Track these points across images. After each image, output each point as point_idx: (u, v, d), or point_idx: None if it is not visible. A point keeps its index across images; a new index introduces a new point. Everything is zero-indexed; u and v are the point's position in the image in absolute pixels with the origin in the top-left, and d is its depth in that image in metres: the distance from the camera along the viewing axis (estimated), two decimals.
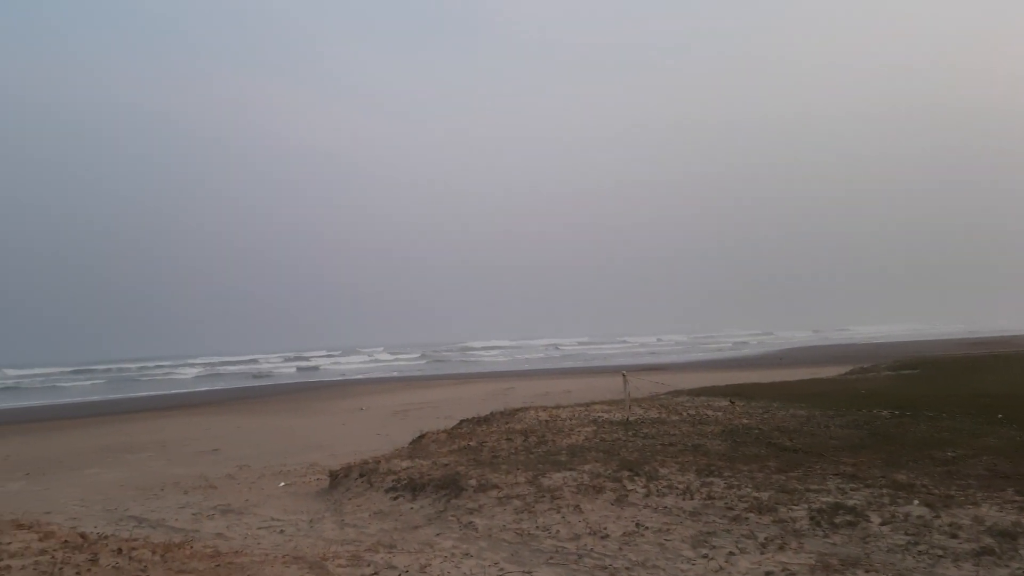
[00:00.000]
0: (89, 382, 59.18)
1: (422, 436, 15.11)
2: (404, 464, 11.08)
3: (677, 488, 8.29)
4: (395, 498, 9.67)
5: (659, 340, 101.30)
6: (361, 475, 11.02)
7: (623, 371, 15.09)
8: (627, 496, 8.09)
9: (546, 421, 14.51)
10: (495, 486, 8.91)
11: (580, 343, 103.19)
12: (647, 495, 8.10)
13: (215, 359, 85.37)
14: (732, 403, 14.99)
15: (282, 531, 9.07)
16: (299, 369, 70.69)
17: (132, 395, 45.37)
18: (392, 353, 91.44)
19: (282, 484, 12.75)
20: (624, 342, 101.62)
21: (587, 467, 9.50)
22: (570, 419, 14.58)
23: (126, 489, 13.50)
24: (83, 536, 8.57)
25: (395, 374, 56.70)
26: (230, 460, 16.50)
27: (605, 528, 7.20)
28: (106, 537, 9.01)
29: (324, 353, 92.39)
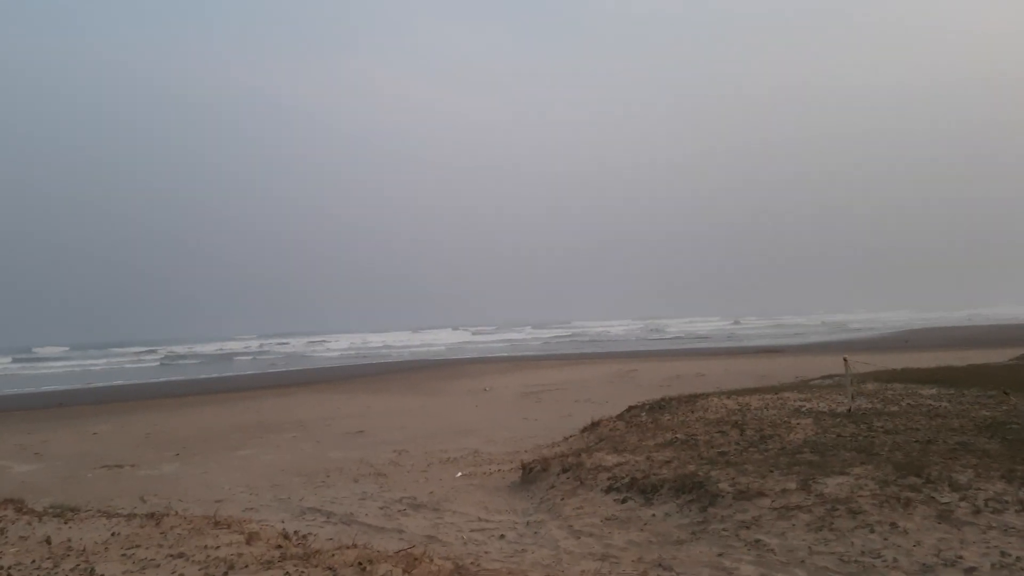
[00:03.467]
0: (198, 362, 60.32)
1: (596, 424, 13.82)
2: (613, 459, 9.73)
3: (1005, 501, 6.67)
4: (622, 501, 8.33)
5: (779, 322, 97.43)
6: (564, 470, 9.73)
7: (844, 356, 13.37)
8: (951, 512, 6.52)
9: (738, 410, 12.98)
10: (760, 493, 7.45)
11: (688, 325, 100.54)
12: (975, 511, 6.50)
13: (328, 336, 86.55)
14: (1007, 394, 12.98)
15: (503, 536, 7.86)
16: (409, 345, 70.75)
17: (245, 373, 45.76)
18: (506, 331, 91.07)
19: (459, 474, 11.60)
20: (738, 324, 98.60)
21: (856, 470, 7.94)
22: (765, 408, 12.99)
23: (289, 474, 12.63)
24: (286, 536, 7.54)
25: (509, 353, 55.67)
26: (381, 443, 15.55)
27: (960, 556, 5.67)
28: (304, 536, 7.99)
29: (428, 329, 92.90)
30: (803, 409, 12.70)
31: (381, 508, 9.68)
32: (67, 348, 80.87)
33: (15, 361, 62.61)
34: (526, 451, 13.26)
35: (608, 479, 9.04)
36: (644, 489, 8.43)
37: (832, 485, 7.47)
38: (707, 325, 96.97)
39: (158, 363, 55.92)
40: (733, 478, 8.05)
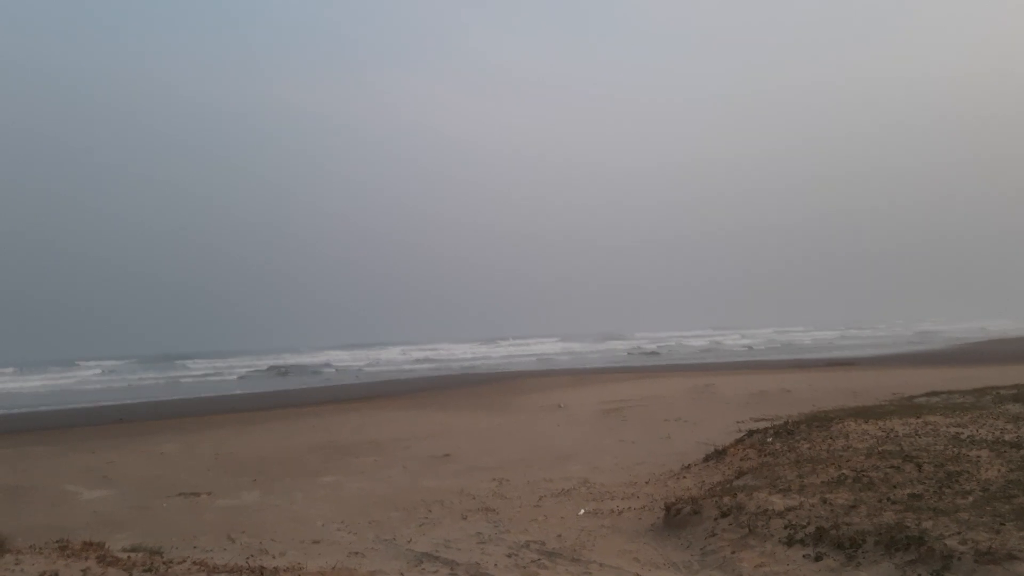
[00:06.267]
0: (263, 376, 59.93)
1: (722, 452, 12.42)
2: (780, 501, 8.32)
3: None
4: (816, 557, 6.91)
5: (843, 332, 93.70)
6: (724, 514, 8.34)
7: None
8: None
9: (885, 437, 11.45)
10: (1011, 555, 5.99)
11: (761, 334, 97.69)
12: None
13: (389, 350, 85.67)
14: None
15: None
16: (475, 358, 69.67)
17: (306, 386, 45.04)
18: (567, 342, 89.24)
19: (582, 512, 10.26)
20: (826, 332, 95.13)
21: None
22: (916, 435, 11.42)
23: (385, 508, 11.41)
24: None
25: (572, 366, 54.12)
26: (474, 470, 14.30)
27: None
28: None
29: (495, 341, 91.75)
30: (963, 437, 11.11)
31: (509, 556, 8.37)
32: (131, 360, 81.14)
33: (105, 373, 62.91)
34: (646, 482, 11.88)
35: (784, 527, 7.62)
36: (839, 543, 7.00)
37: None
38: (784, 335, 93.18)
39: (235, 377, 55.15)
40: (959, 532, 6.59)
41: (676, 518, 8.81)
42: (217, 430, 23.22)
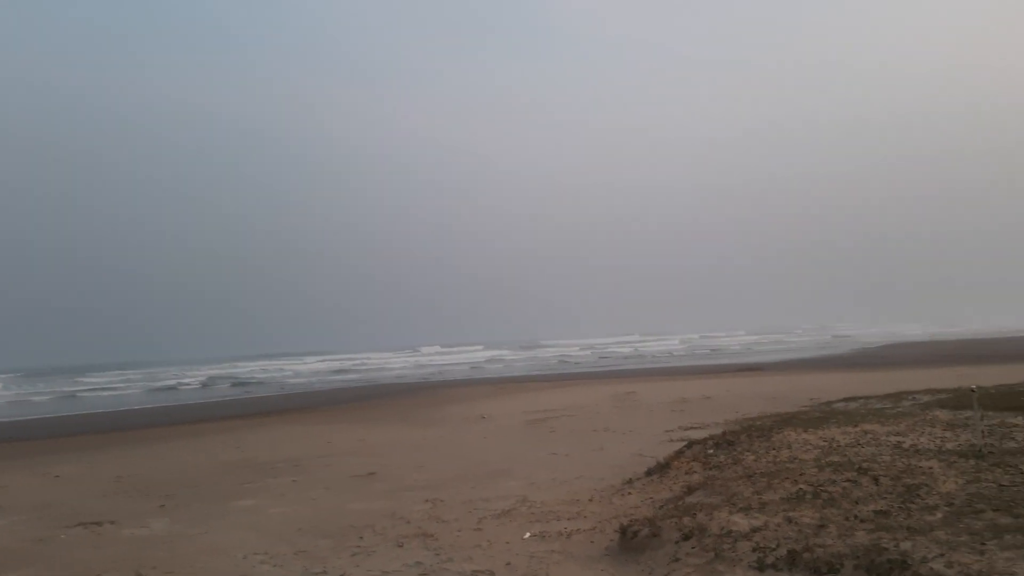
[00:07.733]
0: (160, 388, 57.25)
1: (665, 466, 12.02)
2: (743, 521, 7.89)
3: None
4: None
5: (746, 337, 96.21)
6: (685, 536, 7.85)
7: (972, 387, 11.64)
8: None
9: (828, 448, 11.22)
10: None
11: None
12: None
13: (306, 360, 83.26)
14: None
15: None
16: (397, 367, 68.23)
17: (218, 399, 43.13)
18: (492, 350, 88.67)
19: (527, 535, 9.64)
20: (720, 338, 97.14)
21: None
22: (858, 445, 11.23)
23: (311, 535, 10.52)
24: None
25: (497, 375, 53.50)
26: (404, 489, 13.50)
27: None
28: None
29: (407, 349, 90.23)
30: (905, 446, 10.98)
31: None
32: (19, 374, 76.34)
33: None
34: (589, 499, 11.34)
35: (752, 550, 7.19)
36: (815, 567, 6.60)
37: None
38: (709, 341, 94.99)
39: (139, 391, 52.08)
40: (942, 554, 6.27)
41: (633, 541, 8.29)
42: (117, 448, 21.68)
